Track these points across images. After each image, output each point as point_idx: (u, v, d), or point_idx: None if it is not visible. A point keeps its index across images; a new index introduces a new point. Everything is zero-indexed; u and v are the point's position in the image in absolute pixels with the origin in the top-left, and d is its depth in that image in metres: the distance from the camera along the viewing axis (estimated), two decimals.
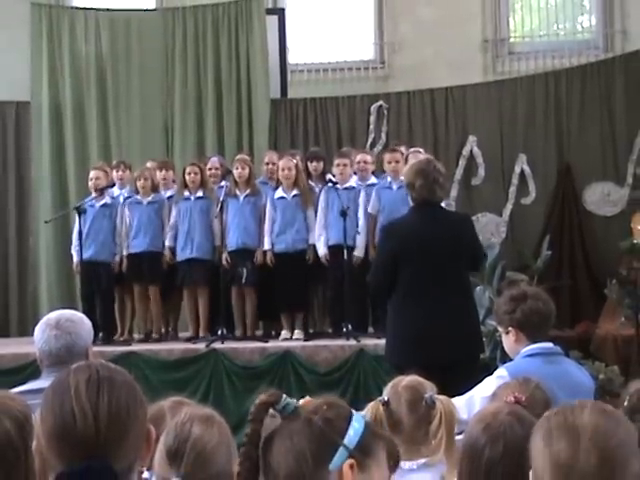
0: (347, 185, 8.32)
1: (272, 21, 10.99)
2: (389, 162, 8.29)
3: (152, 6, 11.58)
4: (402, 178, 7.80)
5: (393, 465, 1.90)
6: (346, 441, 1.78)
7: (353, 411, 1.88)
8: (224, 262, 8.24)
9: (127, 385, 1.86)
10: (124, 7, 11.39)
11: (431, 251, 5.18)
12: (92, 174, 8.83)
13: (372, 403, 2.99)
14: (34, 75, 10.85)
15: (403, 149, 8.75)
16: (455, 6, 11.13)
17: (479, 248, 5.60)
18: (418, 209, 5.37)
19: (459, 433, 2.83)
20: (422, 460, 2.89)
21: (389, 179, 8.27)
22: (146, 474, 2.40)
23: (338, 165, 8.41)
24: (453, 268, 5.25)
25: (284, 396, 1.86)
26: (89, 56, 10.90)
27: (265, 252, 8.39)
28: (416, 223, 5.33)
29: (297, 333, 8.32)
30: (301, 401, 2.49)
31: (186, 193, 8.60)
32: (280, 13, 11.17)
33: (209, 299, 8.46)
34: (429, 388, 3.01)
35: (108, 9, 11.18)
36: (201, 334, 8.49)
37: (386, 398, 3.00)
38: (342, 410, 1.86)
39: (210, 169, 8.85)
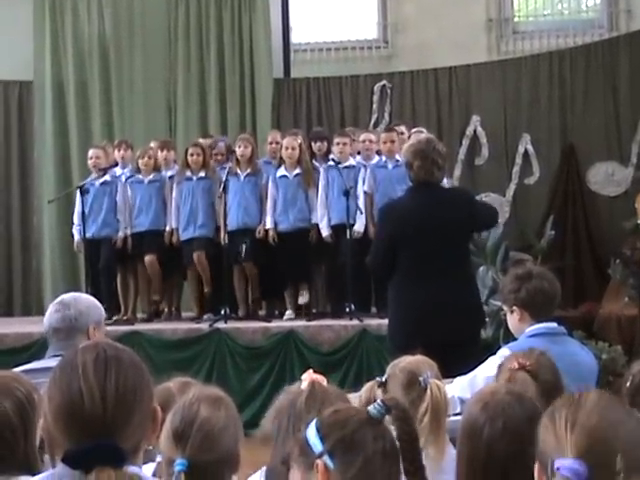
0: (347, 164, 8.30)
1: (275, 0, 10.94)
2: (384, 142, 8.34)
3: None
4: (397, 157, 7.84)
5: None
6: None
7: None
8: (222, 242, 8.16)
9: (134, 365, 1.86)
10: None
11: (430, 232, 5.12)
12: (91, 153, 8.84)
13: (368, 383, 3.03)
14: (37, 54, 10.82)
15: (403, 128, 8.75)
16: None
17: (480, 213, 5.43)
18: (416, 190, 5.32)
19: (459, 413, 2.84)
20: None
21: (384, 158, 8.29)
22: (159, 458, 2.39)
23: (338, 144, 8.38)
24: (452, 248, 5.20)
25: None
26: (92, 35, 10.86)
27: (267, 230, 8.38)
28: (414, 204, 5.27)
29: (302, 299, 8.34)
30: (304, 375, 2.49)
31: (188, 173, 8.57)
32: None
33: (212, 279, 8.46)
34: (428, 370, 3.01)
35: None
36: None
37: (383, 379, 3.02)
38: None
39: (216, 154, 8.84)
